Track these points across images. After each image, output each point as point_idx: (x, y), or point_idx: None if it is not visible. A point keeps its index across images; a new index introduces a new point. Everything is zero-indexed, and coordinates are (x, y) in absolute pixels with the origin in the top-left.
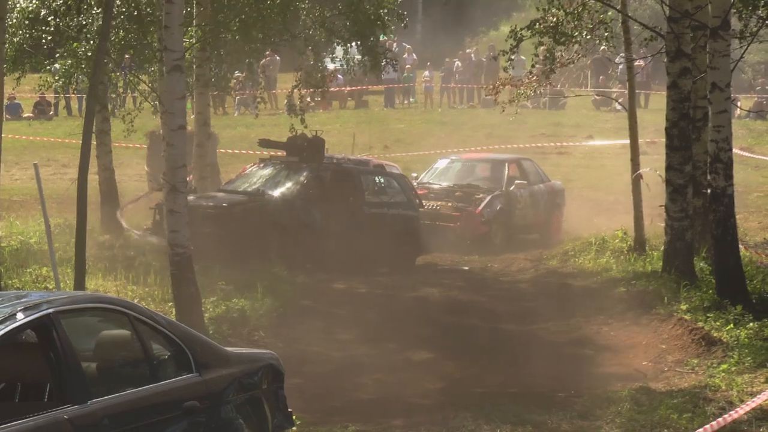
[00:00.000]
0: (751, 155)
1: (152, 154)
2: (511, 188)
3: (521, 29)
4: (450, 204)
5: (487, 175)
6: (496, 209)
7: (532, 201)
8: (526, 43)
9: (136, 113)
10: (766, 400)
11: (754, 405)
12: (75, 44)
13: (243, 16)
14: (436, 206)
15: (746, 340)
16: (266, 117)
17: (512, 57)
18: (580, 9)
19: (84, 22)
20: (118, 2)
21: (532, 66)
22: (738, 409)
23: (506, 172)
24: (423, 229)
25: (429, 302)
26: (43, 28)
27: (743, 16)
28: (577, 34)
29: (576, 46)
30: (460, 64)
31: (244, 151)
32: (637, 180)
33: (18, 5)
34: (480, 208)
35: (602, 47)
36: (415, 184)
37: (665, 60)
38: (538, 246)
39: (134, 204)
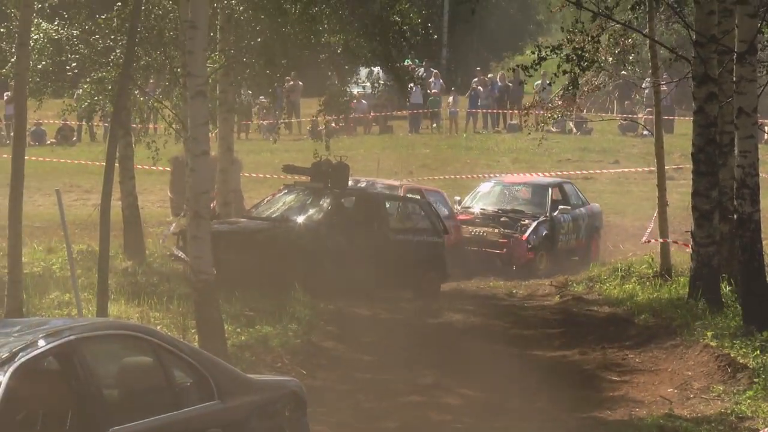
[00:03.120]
0: None
1: (175, 180)
2: (555, 213)
3: (545, 48)
4: (496, 230)
5: (530, 199)
6: (541, 235)
7: (574, 225)
8: (552, 67)
9: (165, 140)
10: None
11: None
12: (101, 74)
13: (265, 38)
14: (482, 232)
15: None
16: (290, 142)
17: (531, 74)
18: (602, 34)
19: (109, 44)
20: (140, 28)
21: (550, 83)
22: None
23: (549, 196)
24: (468, 254)
25: (453, 328)
26: (68, 56)
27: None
28: (601, 59)
29: (601, 73)
30: (482, 89)
31: (268, 176)
32: (663, 206)
33: (41, 30)
34: (526, 234)
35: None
36: (458, 207)
37: (691, 85)
38: (578, 269)
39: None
